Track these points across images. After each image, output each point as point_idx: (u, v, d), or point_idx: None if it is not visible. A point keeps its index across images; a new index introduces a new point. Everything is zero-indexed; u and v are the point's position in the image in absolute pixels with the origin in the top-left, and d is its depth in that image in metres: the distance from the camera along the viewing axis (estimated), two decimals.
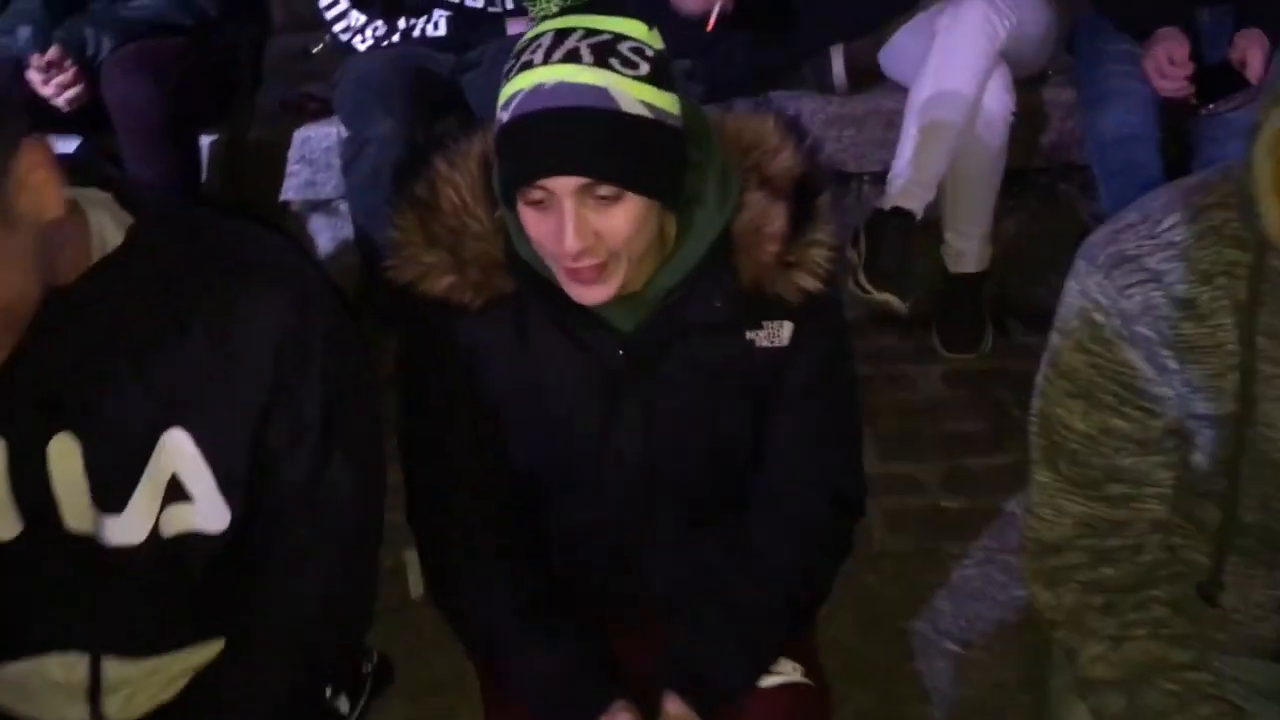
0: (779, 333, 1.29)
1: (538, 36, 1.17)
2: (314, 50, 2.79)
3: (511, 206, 1.20)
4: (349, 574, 1.21)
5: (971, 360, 2.45)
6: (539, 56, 1.14)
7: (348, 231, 2.62)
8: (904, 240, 2.27)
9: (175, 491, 1.10)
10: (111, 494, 1.09)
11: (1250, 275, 1.10)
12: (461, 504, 1.33)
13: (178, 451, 1.09)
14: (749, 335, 1.28)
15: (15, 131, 0.96)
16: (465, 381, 1.30)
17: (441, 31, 2.48)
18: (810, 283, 1.26)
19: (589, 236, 1.13)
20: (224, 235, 1.15)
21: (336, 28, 2.50)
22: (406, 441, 1.36)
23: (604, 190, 1.13)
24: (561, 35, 1.14)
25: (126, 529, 1.11)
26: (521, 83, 1.14)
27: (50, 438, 1.08)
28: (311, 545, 1.15)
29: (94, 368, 1.07)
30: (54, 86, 2.31)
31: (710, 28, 2.31)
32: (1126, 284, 1.15)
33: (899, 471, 2.09)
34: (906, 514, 1.98)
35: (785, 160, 1.27)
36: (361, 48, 2.49)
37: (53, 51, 2.31)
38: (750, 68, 2.51)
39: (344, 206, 2.59)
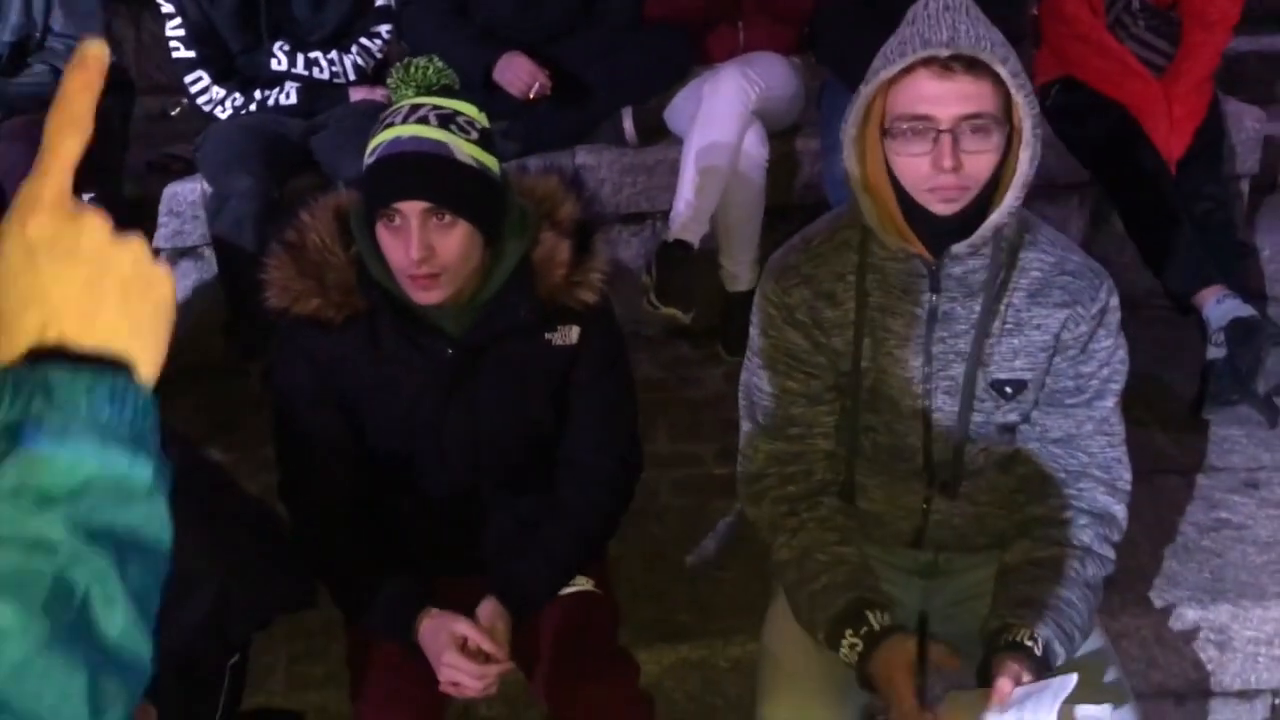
0: (569, 334, 1.73)
1: (398, 107, 1.62)
2: (173, 113, 3.15)
3: (370, 234, 1.63)
4: None
5: None
6: (399, 119, 1.60)
7: (211, 274, 2.92)
8: (686, 266, 2.75)
9: None
10: None
11: (859, 268, 1.62)
12: (323, 480, 1.73)
13: None
14: (547, 336, 1.72)
15: None
16: (328, 382, 1.70)
17: (293, 100, 2.83)
18: (590, 296, 1.71)
19: (429, 249, 1.56)
20: None
21: (200, 99, 2.82)
22: (280, 436, 1.75)
23: (443, 215, 1.57)
24: (415, 107, 1.60)
25: None
26: (385, 136, 1.59)
27: None
28: None
29: None
30: None
31: (530, 100, 2.77)
32: (788, 285, 1.66)
33: (684, 449, 2.57)
34: (687, 480, 2.46)
35: (568, 209, 1.73)
36: (222, 116, 2.81)
37: None
38: (557, 127, 2.99)
39: (208, 252, 2.89)
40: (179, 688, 1.51)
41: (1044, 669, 1.44)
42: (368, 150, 1.62)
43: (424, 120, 1.58)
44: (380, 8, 2.92)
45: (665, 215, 2.89)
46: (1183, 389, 2.60)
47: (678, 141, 2.93)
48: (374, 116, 1.68)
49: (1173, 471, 2.35)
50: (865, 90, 1.50)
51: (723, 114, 2.74)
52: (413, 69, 1.65)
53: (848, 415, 1.67)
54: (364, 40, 2.90)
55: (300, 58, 2.84)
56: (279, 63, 2.83)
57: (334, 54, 2.87)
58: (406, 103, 1.62)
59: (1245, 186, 3.08)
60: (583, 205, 1.77)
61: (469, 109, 1.63)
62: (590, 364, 1.75)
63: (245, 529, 1.61)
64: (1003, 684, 1.39)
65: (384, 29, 2.92)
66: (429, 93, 1.66)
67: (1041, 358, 1.60)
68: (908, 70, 1.45)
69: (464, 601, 1.68)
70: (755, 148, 2.80)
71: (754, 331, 1.72)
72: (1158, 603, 1.97)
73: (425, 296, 1.60)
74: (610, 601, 1.82)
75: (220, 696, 1.67)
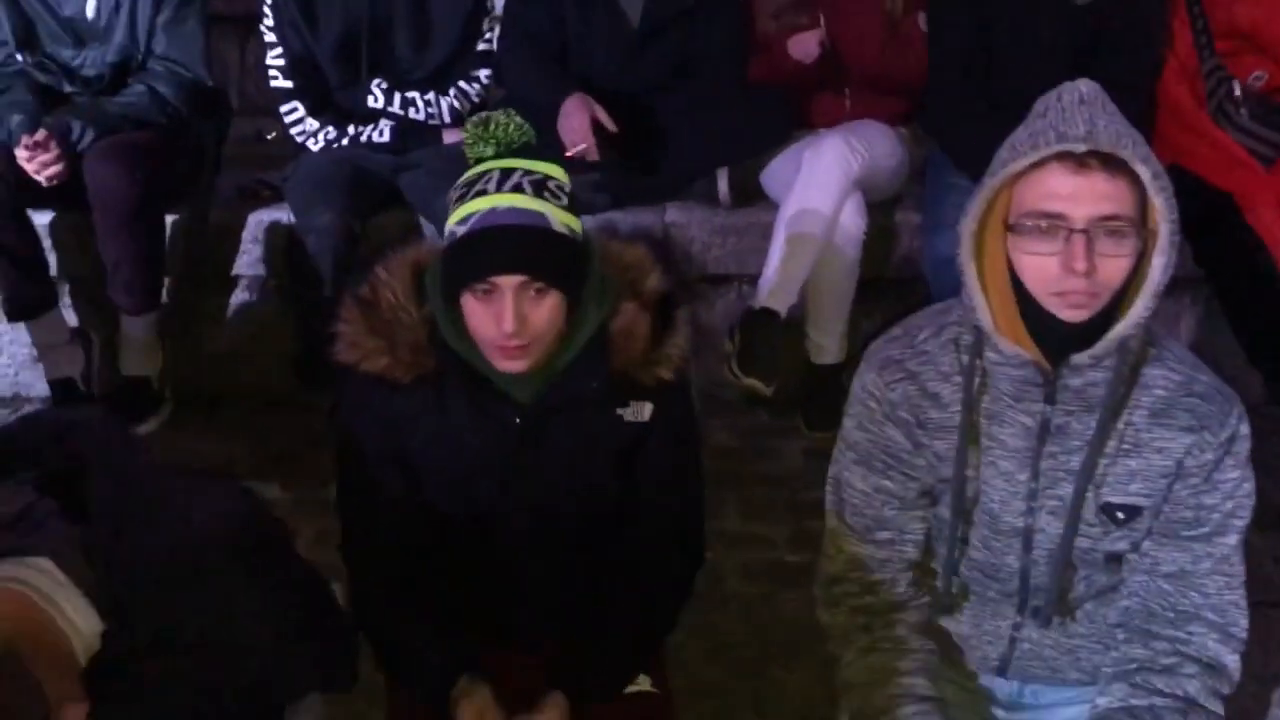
0: (641, 411, 1.64)
1: (487, 172, 1.53)
2: (269, 137, 3.14)
3: (451, 301, 1.55)
4: None
5: (829, 438, 2.82)
6: (492, 186, 1.51)
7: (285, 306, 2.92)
8: (771, 335, 2.65)
9: None
10: None
11: (968, 371, 1.50)
12: (382, 540, 1.66)
13: None
14: (619, 411, 1.64)
15: None
16: (392, 442, 1.63)
17: (386, 138, 2.81)
18: (667, 374, 1.62)
19: (522, 321, 1.50)
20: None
21: (294, 130, 2.82)
22: (342, 489, 1.69)
23: (538, 286, 1.50)
24: (507, 173, 1.52)
25: None
26: (479, 205, 1.51)
27: None
28: None
29: None
30: (37, 164, 2.61)
31: (568, 157, 2.71)
32: (891, 380, 1.55)
33: (755, 530, 2.46)
34: (756, 565, 2.35)
35: (654, 281, 1.65)
36: (314, 148, 2.81)
37: (40, 134, 2.60)
38: (650, 183, 2.92)
39: (286, 284, 2.88)
40: None
41: None
42: (456, 216, 1.54)
43: (519, 188, 1.51)
44: (481, 52, 2.90)
45: (753, 279, 2.81)
46: None
47: (772, 205, 2.85)
48: (466, 160, 1.61)
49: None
50: (990, 182, 1.40)
51: (822, 182, 2.66)
52: (491, 125, 1.55)
53: (947, 527, 1.55)
54: (463, 83, 2.88)
55: (398, 97, 2.83)
56: (375, 100, 2.82)
57: (431, 95, 2.85)
58: (496, 168, 1.54)
59: None
60: (669, 276, 1.69)
61: (556, 171, 1.56)
62: (661, 443, 1.66)
63: (299, 597, 1.53)
64: None
65: (483, 73, 2.91)
66: (510, 151, 1.57)
67: (1161, 484, 1.48)
68: (1038, 164, 1.35)
69: (508, 676, 1.61)
70: (853, 219, 2.70)
71: (849, 424, 1.61)
72: None
73: (512, 366, 1.54)
74: (668, 704, 1.72)
75: None
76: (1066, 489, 1.49)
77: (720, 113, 2.86)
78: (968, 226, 1.43)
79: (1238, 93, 2.68)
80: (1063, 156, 1.34)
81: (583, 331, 1.60)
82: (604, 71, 2.88)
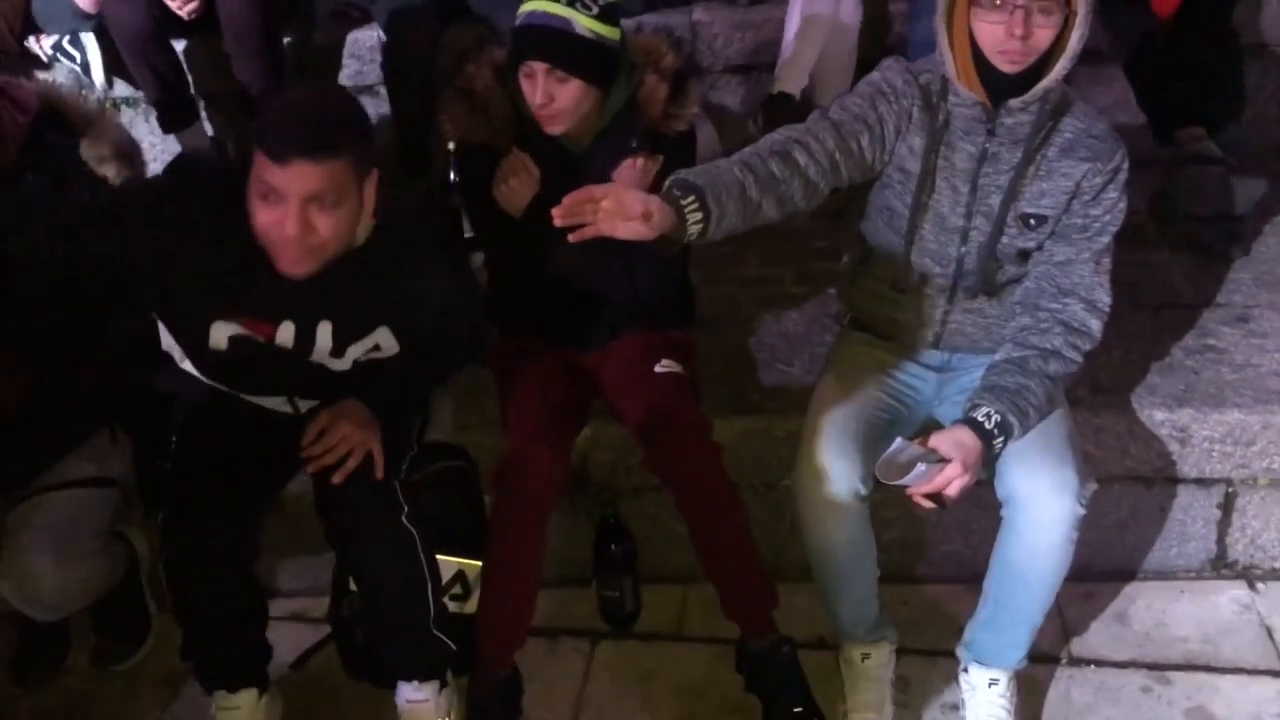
0: (657, 160, 2.25)
1: None
2: None
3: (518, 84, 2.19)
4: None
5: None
6: None
7: (384, 109, 3.40)
8: (789, 113, 3.07)
9: (375, 350, 2.06)
10: (341, 350, 2.04)
11: (935, 110, 2.02)
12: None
13: (382, 335, 2.04)
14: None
15: (372, 163, 1.85)
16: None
17: None
18: (681, 126, 2.28)
19: (549, 96, 2.14)
20: (415, 232, 2.05)
21: None
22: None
23: (559, 74, 2.14)
24: None
25: (342, 364, 2.07)
26: (525, 8, 2.15)
27: (320, 321, 2.00)
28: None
29: (351, 292, 1.95)
30: (180, 1, 3.18)
31: None
32: (902, 76, 2.05)
33: (768, 272, 3.04)
34: (768, 297, 2.97)
35: (669, 60, 2.27)
36: None
37: None
38: None
39: (382, 90, 3.37)
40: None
41: (989, 438, 1.93)
42: (518, 15, 2.15)
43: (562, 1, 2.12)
44: None
45: (770, 68, 3.29)
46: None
47: (784, 3, 3.30)
48: None
49: (1179, 305, 2.77)
50: None
51: None
52: None
53: (904, 221, 2.09)
54: None
55: None
56: None
57: None
58: None
59: None
60: (682, 56, 2.28)
61: None
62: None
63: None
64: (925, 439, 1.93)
65: None
66: None
67: (1063, 199, 2.03)
68: None
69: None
70: (852, 9, 3.19)
71: (862, 87, 2.08)
72: (1134, 405, 2.44)
73: (550, 128, 2.19)
74: (693, 381, 2.38)
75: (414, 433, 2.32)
76: (995, 200, 2.05)
77: None
78: (942, 1, 1.98)
79: None
80: None
81: (614, 100, 2.22)
82: None
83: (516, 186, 2.22)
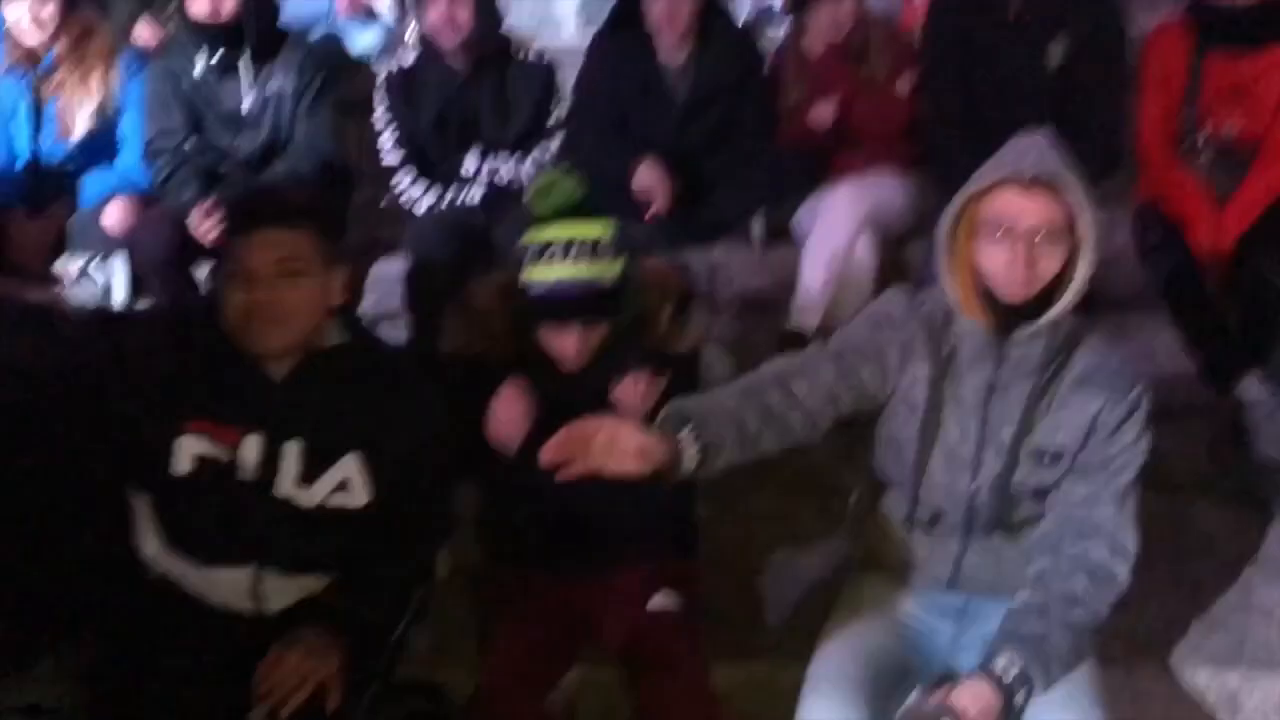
0: (663, 379, 2.20)
1: (553, 242, 2.15)
2: (382, 204, 3.75)
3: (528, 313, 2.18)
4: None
5: (857, 433, 3.26)
6: (558, 256, 2.14)
7: (403, 337, 3.36)
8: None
9: (342, 491, 1.96)
10: (309, 477, 1.95)
11: (938, 340, 1.96)
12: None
13: (352, 467, 1.96)
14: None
15: (339, 254, 1.92)
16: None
17: (477, 200, 3.34)
18: (682, 347, 2.27)
19: (585, 345, 2.16)
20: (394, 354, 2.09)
21: (401, 198, 3.40)
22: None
23: (594, 330, 2.14)
24: (568, 245, 2.14)
25: (309, 498, 1.96)
26: (551, 273, 2.14)
27: (288, 439, 1.93)
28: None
29: (321, 406, 1.92)
30: (205, 228, 3.20)
31: (648, 219, 3.28)
32: (905, 306, 2.00)
33: (784, 507, 2.94)
34: (783, 536, 2.83)
35: (674, 281, 2.28)
36: (419, 212, 3.38)
37: (209, 203, 3.21)
38: (699, 227, 3.44)
39: (402, 321, 3.36)
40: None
41: (1008, 692, 1.76)
42: (535, 274, 2.14)
43: (580, 258, 2.13)
44: (552, 126, 3.44)
45: (787, 307, 3.27)
46: None
47: (801, 246, 3.32)
48: None
49: (1225, 559, 2.60)
50: (960, 197, 1.91)
51: (837, 221, 3.17)
52: (554, 191, 2.17)
53: (911, 452, 1.99)
54: (537, 151, 3.41)
55: (487, 163, 3.38)
56: (469, 167, 3.38)
57: (513, 160, 3.39)
58: (563, 237, 2.14)
59: None
60: (688, 280, 2.28)
61: (601, 230, 2.16)
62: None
63: None
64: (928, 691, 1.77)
65: (554, 142, 3.43)
66: (572, 211, 2.17)
67: (1079, 434, 1.94)
68: (997, 185, 1.87)
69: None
70: (865, 253, 3.20)
71: (861, 318, 2.04)
72: (1178, 667, 2.23)
73: (570, 367, 2.18)
74: (693, 620, 2.23)
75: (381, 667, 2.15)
76: (1008, 433, 1.95)
77: (755, 169, 3.40)
78: (943, 227, 1.95)
79: (1200, 140, 3.06)
80: (1015, 181, 1.85)
81: (626, 309, 2.21)
82: (658, 138, 3.42)
83: (509, 422, 2.17)
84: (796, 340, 3.14)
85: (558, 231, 2.16)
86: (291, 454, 1.93)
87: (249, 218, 1.88)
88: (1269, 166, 3.03)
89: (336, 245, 1.98)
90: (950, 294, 1.94)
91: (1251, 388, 2.85)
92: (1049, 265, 1.86)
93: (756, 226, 3.42)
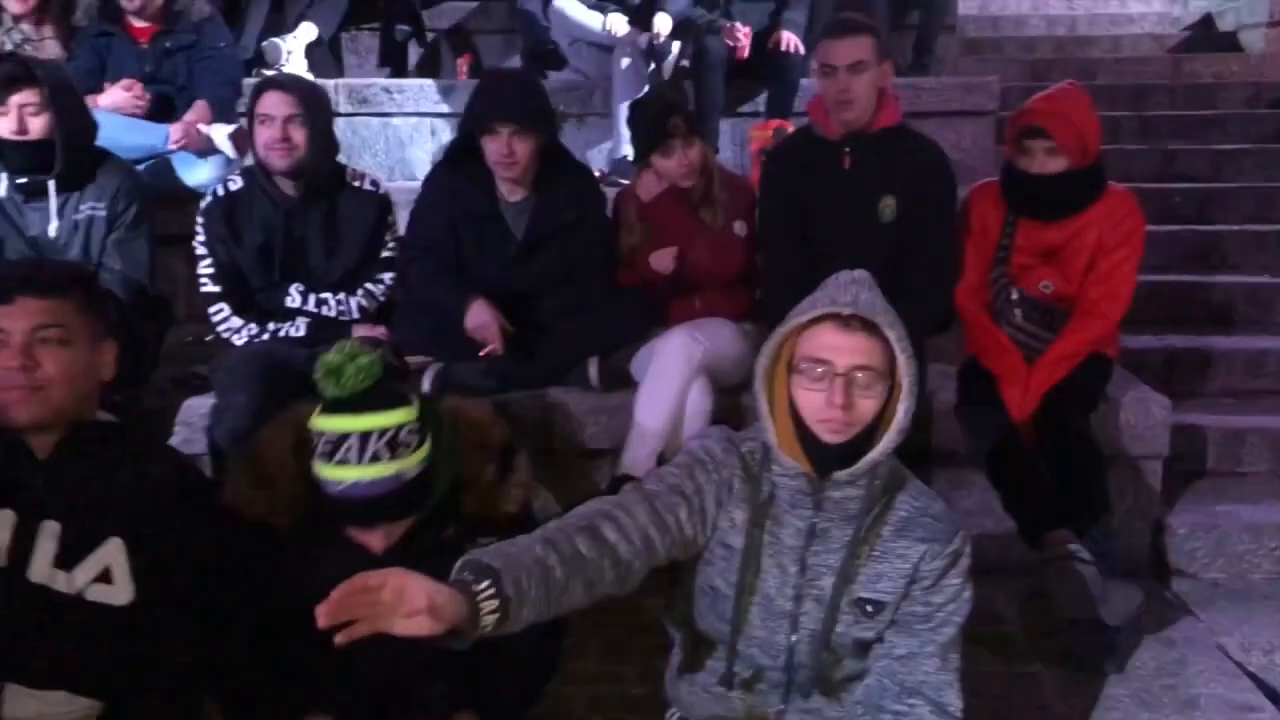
0: (490, 546, 2.00)
1: (348, 437, 1.89)
2: (208, 339, 3.55)
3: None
4: None
5: None
6: (353, 456, 1.88)
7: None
8: None
9: (106, 583, 1.79)
10: (67, 561, 1.78)
11: (759, 477, 1.86)
12: None
13: (114, 553, 1.79)
14: (469, 551, 1.97)
15: (107, 329, 1.86)
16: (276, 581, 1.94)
17: (301, 333, 3.19)
18: (511, 507, 2.02)
19: (388, 538, 1.94)
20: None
21: (220, 329, 3.22)
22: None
23: (396, 523, 1.91)
24: (364, 439, 1.88)
25: (68, 583, 1.78)
26: (345, 475, 1.89)
27: (45, 519, 1.77)
28: None
29: (83, 484, 1.78)
30: None
31: (481, 357, 3.18)
32: (723, 445, 1.90)
33: (612, 670, 2.74)
34: (606, 697, 2.63)
35: (497, 433, 2.07)
36: (238, 343, 3.19)
37: None
38: (532, 370, 3.33)
39: (208, 460, 3.10)
40: None
41: None
42: (327, 473, 1.90)
43: (376, 457, 1.89)
44: (385, 258, 3.34)
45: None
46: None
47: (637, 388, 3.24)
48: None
49: None
50: (780, 331, 1.83)
51: (671, 367, 3.09)
52: (343, 377, 1.92)
53: (728, 603, 1.87)
54: (369, 285, 3.31)
55: (312, 297, 3.24)
56: (293, 300, 3.23)
57: (342, 295, 3.27)
58: (356, 431, 1.89)
59: (1159, 467, 3.31)
60: (509, 429, 2.09)
61: (406, 416, 1.92)
62: None
63: None
64: None
65: (387, 276, 3.34)
66: (362, 396, 1.92)
67: (901, 583, 1.84)
68: (815, 321, 1.79)
69: None
70: (699, 398, 3.12)
71: (680, 457, 1.93)
72: None
73: (369, 542, 1.95)
74: None
75: None
76: (827, 582, 1.84)
77: (592, 311, 3.32)
78: (761, 364, 1.85)
79: (1014, 296, 3.14)
80: (833, 317, 1.78)
81: (435, 492, 1.97)
82: (494, 276, 3.33)
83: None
84: (627, 485, 3.00)
85: (351, 423, 1.89)
86: (49, 534, 1.79)
87: (9, 284, 1.84)
88: (1081, 325, 3.11)
89: (104, 318, 1.93)
90: (769, 434, 1.85)
91: (1054, 545, 2.83)
92: (867, 406, 1.79)
93: (593, 370, 3.32)
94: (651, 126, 3.32)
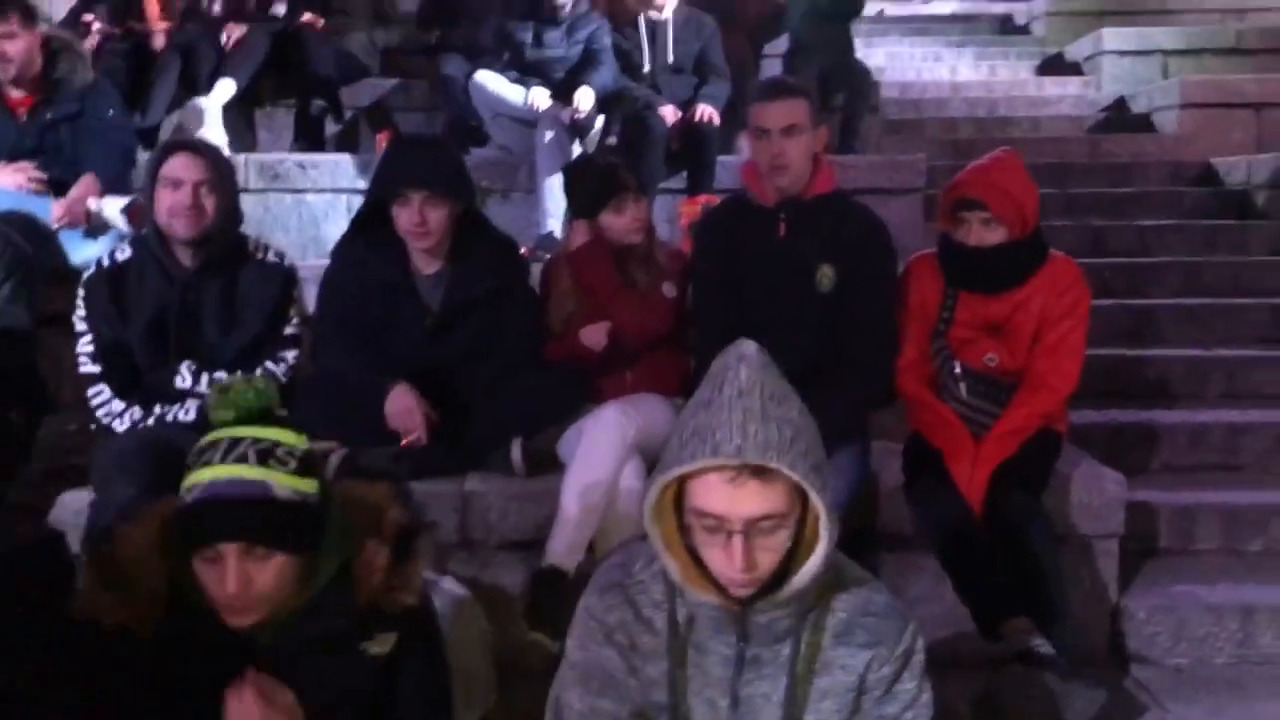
0: (386, 642, 1.75)
1: (216, 442, 1.66)
2: (91, 427, 3.24)
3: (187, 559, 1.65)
4: None
5: None
6: (217, 457, 1.65)
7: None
8: (558, 592, 2.74)
9: None
10: None
11: (672, 601, 1.64)
12: None
13: None
14: (362, 645, 1.74)
15: None
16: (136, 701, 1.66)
17: (192, 417, 2.88)
18: (410, 599, 1.75)
19: (246, 582, 1.60)
20: None
21: (99, 413, 2.92)
22: None
23: (259, 551, 1.61)
24: (235, 443, 1.65)
25: None
26: (203, 475, 1.64)
27: None
28: None
29: None
30: None
31: (403, 446, 2.95)
32: (610, 604, 1.68)
33: None
34: None
35: (394, 515, 1.80)
36: (120, 429, 2.89)
37: None
38: (449, 454, 3.08)
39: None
40: None
41: None
42: (185, 485, 1.67)
43: (243, 458, 1.64)
44: (289, 335, 3.09)
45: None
46: None
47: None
48: None
49: None
50: (661, 479, 1.57)
51: (602, 446, 2.87)
52: (232, 392, 1.72)
53: None
54: (269, 364, 3.03)
55: (205, 377, 2.95)
56: (184, 381, 2.95)
57: (238, 375, 2.99)
58: (225, 437, 1.67)
59: (1114, 547, 3.15)
60: (409, 512, 1.84)
61: (289, 437, 1.70)
62: (411, 675, 1.74)
63: None
64: None
65: (290, 355, 3.08)
66: (250, 417, 1.72)
67: (848, 698, 1.62)
68: (702, 472, 1.53)
69: None
70: (633, 480, 2.88)
71: (571, 643, 1.72)
72: None
73: (240, 620, 1.65)
74: None
75: None
76: (765, 714, 1.61)
77: (514, 388, 3.08)
78: (648, 506, 1.60)
79: (958, 370, 2.99)
80: (721, 467, 1.52)
81: (323, 574, 1.71)
82: (408, 351, 3.09)
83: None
84: (553, 579, 2.77)
85: (226, 433, 1.69)
86: None
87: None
88: (1026, 401, 2.97)
89: None
90: (671, 573, 1.62)
91: (1012, 637, 2.64)
92: (773, 556, 1.56)
93: (516, 452, 3.07)
94: (602, 183, 3.16)
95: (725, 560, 1.53)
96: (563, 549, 2.81)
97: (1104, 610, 3.12)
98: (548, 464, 3.12)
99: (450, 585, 2.65)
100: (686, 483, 1.57)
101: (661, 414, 3.03)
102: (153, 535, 1.72)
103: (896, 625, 1.64)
